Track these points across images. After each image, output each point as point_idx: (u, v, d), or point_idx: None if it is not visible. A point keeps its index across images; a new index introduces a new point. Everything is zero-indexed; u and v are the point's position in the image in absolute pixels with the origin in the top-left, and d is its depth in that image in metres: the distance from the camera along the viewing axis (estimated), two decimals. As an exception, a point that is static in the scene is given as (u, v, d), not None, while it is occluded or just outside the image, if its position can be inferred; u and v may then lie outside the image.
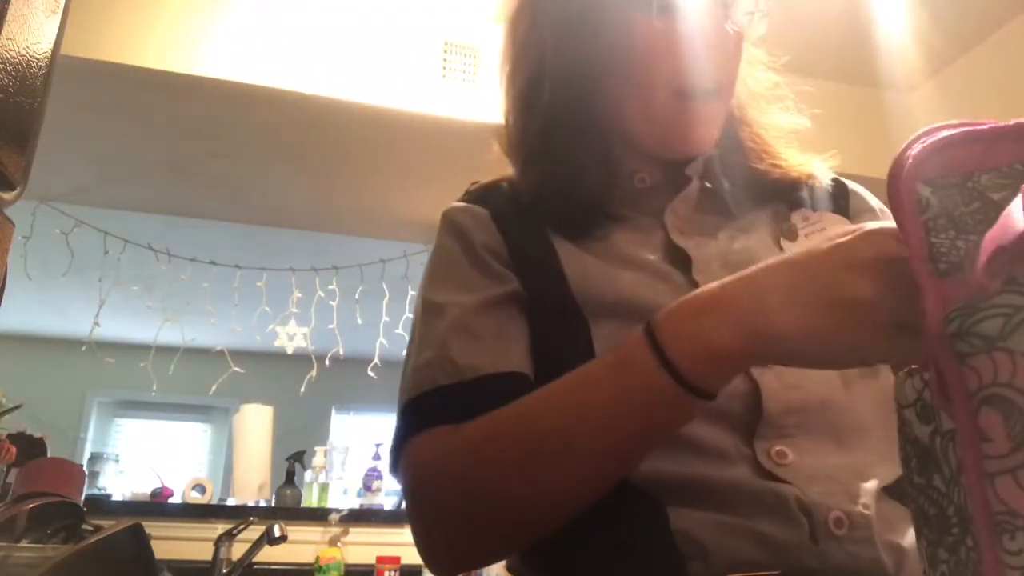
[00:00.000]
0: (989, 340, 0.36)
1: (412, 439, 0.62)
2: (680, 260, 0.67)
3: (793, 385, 0.60)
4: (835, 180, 0.76)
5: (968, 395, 0.37)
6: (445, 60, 2.39)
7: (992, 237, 0.36)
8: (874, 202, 0.76)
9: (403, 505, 2.84)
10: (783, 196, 0.74)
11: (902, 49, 2.36)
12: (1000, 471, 0.35)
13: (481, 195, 0.76)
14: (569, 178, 0.70)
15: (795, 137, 0.76)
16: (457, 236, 0.72)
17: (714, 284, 0.52)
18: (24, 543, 1.67)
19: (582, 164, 0.70)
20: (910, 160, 0.41)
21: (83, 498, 2.40)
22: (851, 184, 0.77)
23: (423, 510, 0.62)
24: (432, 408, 0.62)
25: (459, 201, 0.77)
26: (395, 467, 0.65)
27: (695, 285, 0.64)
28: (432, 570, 0.62)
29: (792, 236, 0.71)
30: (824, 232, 0.71)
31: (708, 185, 0.73)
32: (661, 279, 0.65)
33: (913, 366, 0.42)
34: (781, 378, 0.60)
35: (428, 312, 0.68)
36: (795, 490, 0.56)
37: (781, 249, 0.70)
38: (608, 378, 0.55)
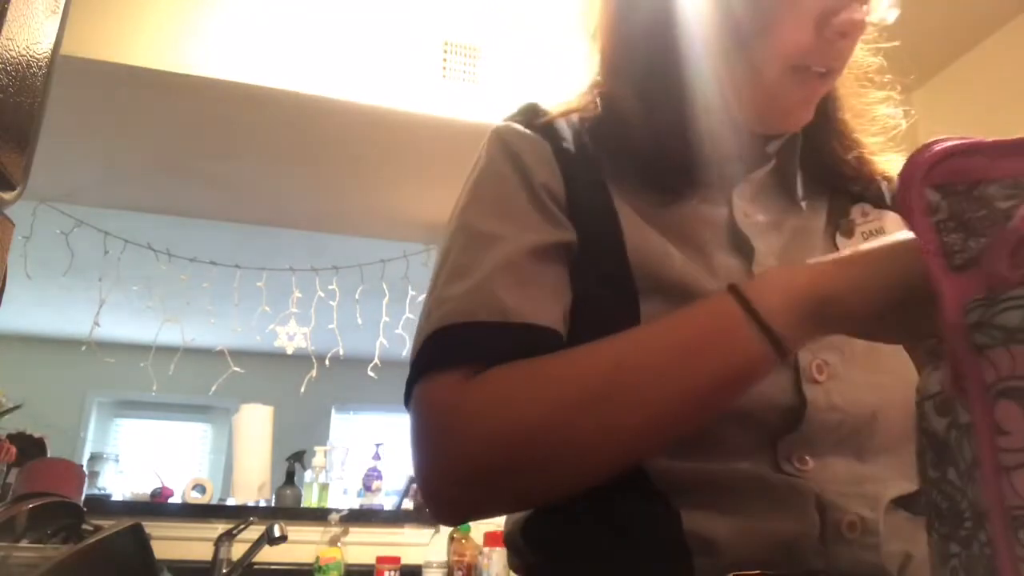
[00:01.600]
0: (1009, 332, 0.36)
1: (441, 372, 0.57)
2: (741, 247, 0.65)
3: (837, 407, 0.59)
4: None
5: (985, 387, 0.36)
6: (445, 60, 2.39)
7: (1014, 228, 0.37)
8: None
9: (402, 505, 2.86)
10: (850, 189, 0.71)
11: (901, 49, 2.35)
12: (1017, 465, 0.35)
13: (546, 124, 0.68)
14: (673, 142, 0.64)
15: (884, 129, 0.73)
16: (515, 164, 0.65)
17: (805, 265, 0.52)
18: (24, 543, 1.67)
19: (685, 130, 0.64)
20: (920, 165, 0.42)
21: (83, 498, 2.39)
22: None
23: (443, 448, 0.55)
24: (467, 342, 0.57)
25: (515, 120, 0.69)
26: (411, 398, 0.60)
27: (751, 278, 0.62)
28: (439, 512, 0.58)
29: (848, 232, 0.69)
30: (881, 230, 0.69)
31: (784, 166, 0.70)
32: (719, 267, 0.63)
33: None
34: (829, 397, 0.59)
35: (472, 238, 0.62)
36: (815, 487, 0.56)
37: (836, 246, 0.68)
38: (670, 329, 0.53)
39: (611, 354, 0.54)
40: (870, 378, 0.61)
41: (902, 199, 0.42)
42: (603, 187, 0.65)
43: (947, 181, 0.41)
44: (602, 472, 0.54)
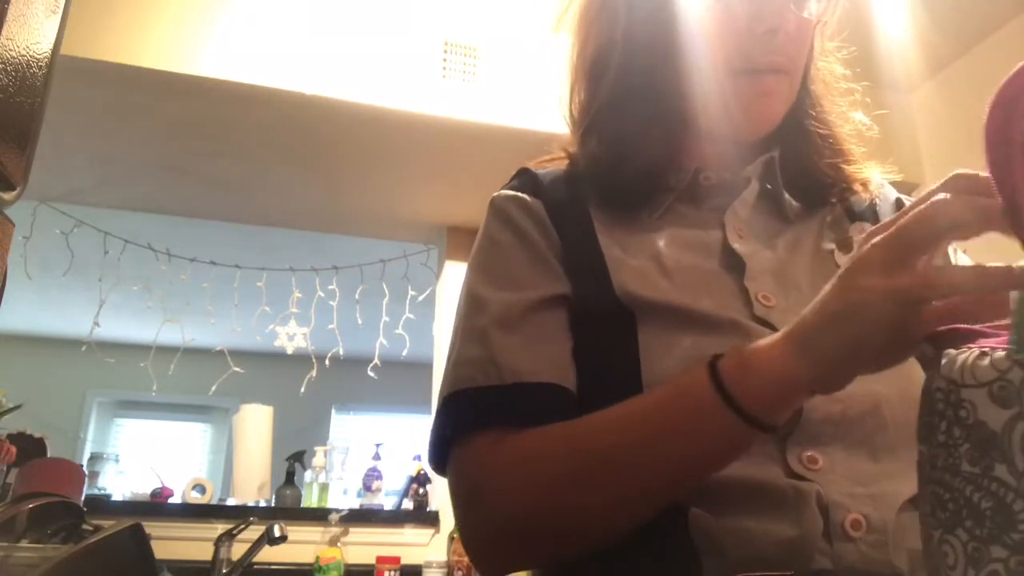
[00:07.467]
0: None
1: (456, 440, 0.63)
2: (734, 265, 0.67)
3: (837, 398, 0.59)
4: (897, 199, 0.76)
5: None
6: (445, 60, 2.39)
7: None
8: None
9: (402, 505, 2.85)
10: (838, 200, 0.74)
11: (902, 49, 2.36)
12: None
13: (534, 182, 0.74)
14: (631, 147, 0.70)
15: (858, 137, 0.76)
16: (511, 229, 0.71)
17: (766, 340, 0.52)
18: (24, 543, 1.67)
19: (645, 135, 0.70)
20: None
21: (83, 498, 2.39)
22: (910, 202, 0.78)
23: (473, 516, 0.62)
24: (471, 408, 0.63)
25: (510, 187, 0.75)
26: (440, 462, 0.66)
27: (745, 292, 0.65)
28: (482, 572, 0.64)
29: (847, 248, 0.71)
30: None
31: (768, 187, 0.73)
32: (710, 282, 0.65)
33: (986, 346, 0.40)
34: None
35: (473, 306, 0.68)
36: (817, 487, 0.57)
37: (836, 264, 0.69)
38: (662, 406, 0.56)
39: (599, 441, 0.58)
40: None
41: (997, 141, 0.38)
42: (591, 230, 0.69)
43: None
44: (614, 533, 0.58)
